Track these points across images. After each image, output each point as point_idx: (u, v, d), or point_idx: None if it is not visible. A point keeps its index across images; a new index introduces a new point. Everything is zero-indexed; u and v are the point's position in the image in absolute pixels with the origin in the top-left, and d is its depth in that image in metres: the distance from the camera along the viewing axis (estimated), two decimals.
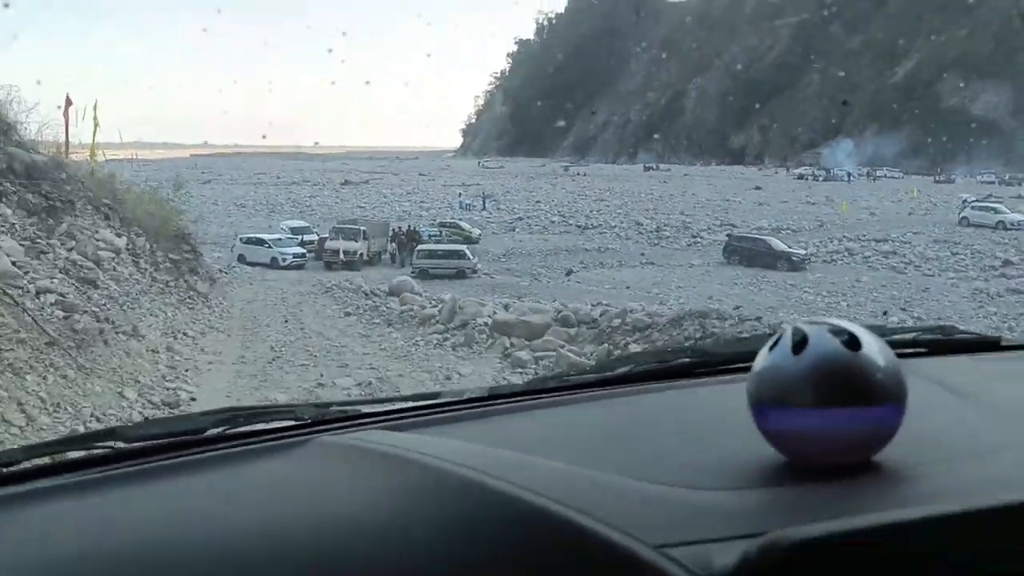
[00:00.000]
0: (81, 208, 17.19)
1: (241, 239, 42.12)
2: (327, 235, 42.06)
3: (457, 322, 18.25)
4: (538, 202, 67.63)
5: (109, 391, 8.92)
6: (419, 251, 38.87)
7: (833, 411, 1.11)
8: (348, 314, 21.50)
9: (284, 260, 39.32)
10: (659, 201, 66.81)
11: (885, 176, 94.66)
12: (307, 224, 49.94)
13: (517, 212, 60.78)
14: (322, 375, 12.71)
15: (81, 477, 1.30)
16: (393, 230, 44.76)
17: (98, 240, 15.96)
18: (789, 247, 41.41)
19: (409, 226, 46.05)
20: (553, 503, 1.01)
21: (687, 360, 1.88)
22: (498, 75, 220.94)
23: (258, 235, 43.00)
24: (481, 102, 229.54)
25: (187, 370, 11.91)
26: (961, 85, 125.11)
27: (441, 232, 46.59)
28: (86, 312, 10.58)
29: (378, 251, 42.62)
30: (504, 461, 1.19)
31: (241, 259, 39.42)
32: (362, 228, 41.20)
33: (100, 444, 1.44)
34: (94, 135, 23.58)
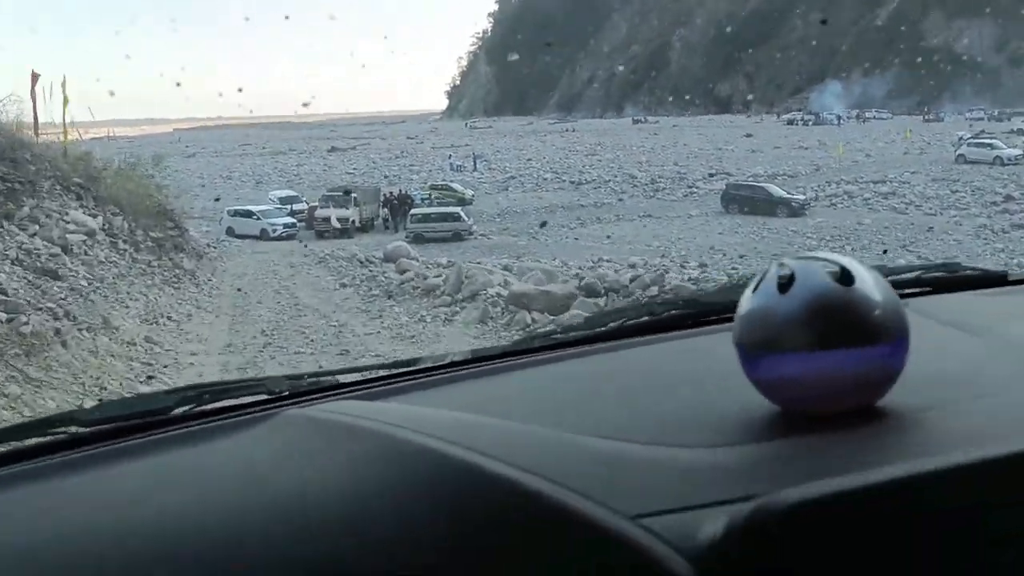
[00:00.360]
0: (48, 189, 15.89)
1: (229, 212, 40.72)
2: (317, 203, 40.69)
3: (466, 293, 16.45)
4: (529, 160, 66.21)
5: (67, 404, 7.63)
6: (413, 215, 37.52)
7: (828, 353, 1.02)
8: (344, 285, 20.23)
9: (274, 231, 37.99)
10: (651, 153, 65.44)
11: (874, 118, 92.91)
12: (295, 193, 48.48)
13: (509, 171, 59.39)
14: (320, 366, 11.37)
15: (39, 464, 1.24)
16: (384, 195, 43.32)
17: (68, 222, 14.69)
18: (788, 193, 40.11)
19: (400, 190, 44.59)
20: (519, 471, 0.95)
21: (678, 312, 1.79)
22: (480, 35, 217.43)
23: (246, 207, 41.59)
24: (465, 63, 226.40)
25: (166, 366, 10.57)
26: (944, 24, 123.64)
27: (431, 195, 45.21)
28: (40, 310, 9.25)
29: (370, 217, 41.24)
30: (470, 426, 1.13)
31: (230, 232, 38.12)
32: (353, 194, 39.76)
33: (58, 430, 1.37)
34: (64, 112, 22.13)
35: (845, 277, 1.04)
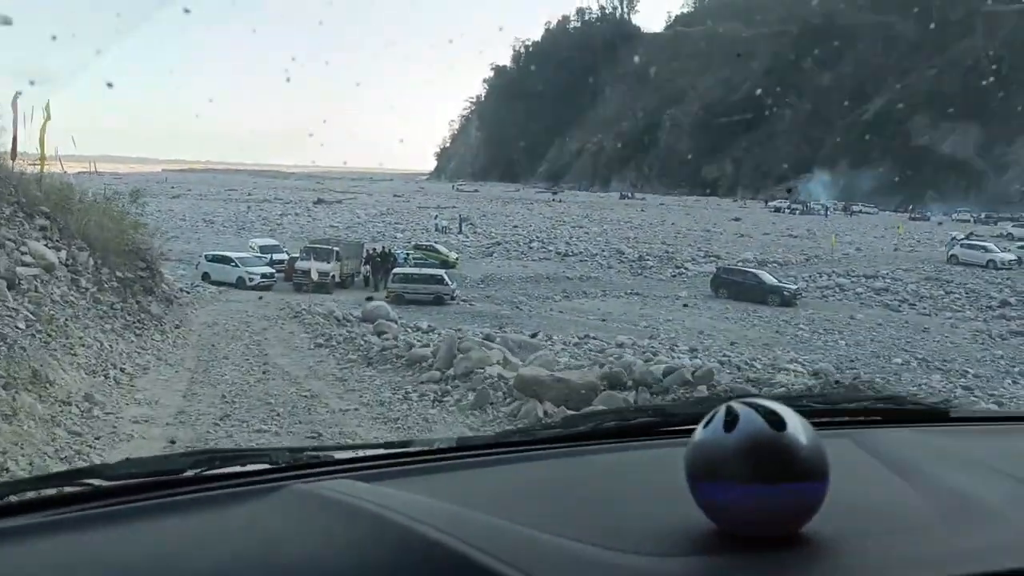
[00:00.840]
0: (9, 216, 14.49)
1: (206, 256, 39.29)
2: (298, 255, 39.35)
3: (459, 369, 14.24)
4: (515, 226, 65.33)
5: None
6: (395, 274, 36.20)
7: (758, 487, 1.18)
8: (319, 345, 18.81)
9: (251, 280, 36.55)
10: (638, 229, 64.73)
11: (860, 211, 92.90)
12: (276, 242, 47.16)
13: (494, 236, 58.39)
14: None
15: (59, 515, 1.32)
16: (367, 252, 42.06)
17: (24, 253, 13.25)
18: (780, 281, 39.18)
19: (383, 247, 43.37)
20: (505, 566, 1.08)
21: (648, 419, 1.92)
22: (473, 100, 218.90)
23: (224, 252, 40.18)
24: (456, 127, 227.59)
25: (98, 438, 8.71)
26: (930, 124, 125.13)
27: (411, 256, 43.97)
28: None
29: (351, 273, 39.91)
30: (460, 518, 1.24)
31: (206, 278, 36.72)
32: (335, 248, 38.46)
33: (79, 482, 1.46)
34: (43, 132, 20.67)
35: (778, 423, 1.21)
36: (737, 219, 76.20)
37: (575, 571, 1.10)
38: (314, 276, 33.35)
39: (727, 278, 39.18)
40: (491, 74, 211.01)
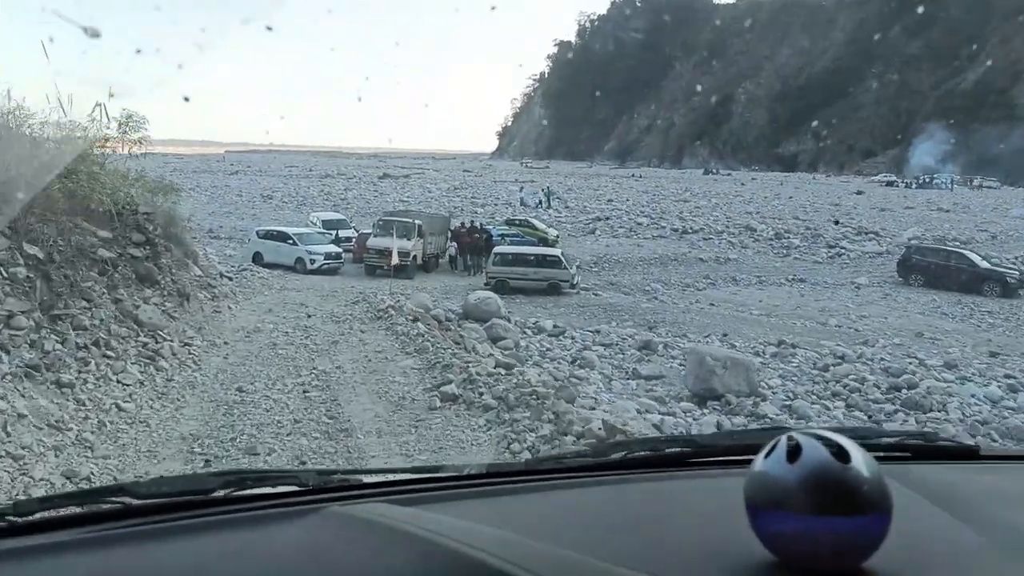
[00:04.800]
0: None
1: (258, 233, 30.99)
2: (370, 230, 30.92)
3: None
4: (610, 200, 56.24)
5: None
6: (497, 255, 27.45)
7: (824, 518, 1.15)
8: (433, 387, 10.27)
9: (313, 262, 28.26)
10: (751, 204, 55.18)
11: (982, 186, 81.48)
12: (343, 216, 38.77)
13: (590, 211, 49.41)
14: None
15: (92, 533, 1.31)
16: (453, 227, 33.40)
17: None
18: (996, 264, 29.53)
19: (473, 222, 34.59)
20: None
21: (680, 450, 1.87)
22: (537, 77, 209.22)
23: (279, 228, 31.84)
24: (519, 105, 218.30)
25: None
26: None
27: (507, 234, 35.09)
28: None
29: (435, 253, 31.34)
30: (501, 541, 1.21)
31: (257, 259, 28.45)
32: (417, 222, 29.80)
33: (112, 499, 1.44)
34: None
35: (842, 454, 1.18)
36: (860, 192, 66.28)
37: None
38: (395, 257, 24.78)
39: (922, 260, 29.63)
40: (555, 50, 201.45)
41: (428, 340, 12.89)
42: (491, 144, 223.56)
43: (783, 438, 1.22)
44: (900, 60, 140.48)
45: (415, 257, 28.65)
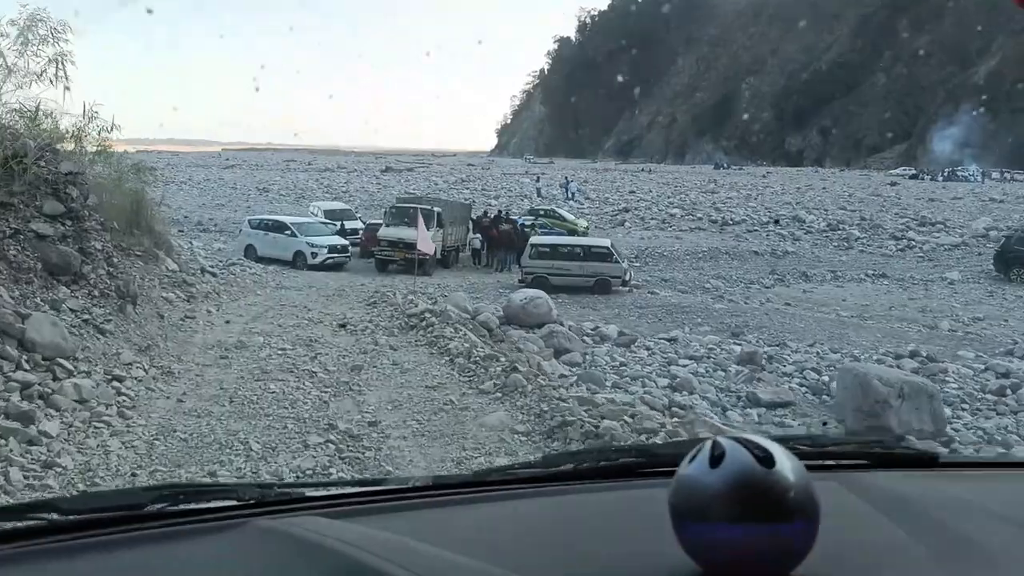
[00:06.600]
0: None
1: (251, 223, 26.37)
2: (380, 220, 26.35)
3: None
4: (632, 192, 51.65)
5: None
6: (535, 247, 22.78)
7: (746, 526, 1.08)
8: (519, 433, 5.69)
9: (315, 255, 23.71)
10: (785, 196, 50.60)
11: (1013, 179, 76.44)
12: (347, 206, 34.11)
13: (613, 203, 44.85)
14: None
15: (15, 549, 1.23)
16: (475, 216, 28.75)
17: None
18: None
19: (500, 211, 29.90)
20: None
21: (631, 460, 1.79)
22: (536, 74, 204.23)
23: (276, 217, 27.24)
24: (518, 102, 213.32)
25: None
26: None
27: (535, 224, 30.50)
28: None
29: (455, 245, 26.74)
30: (423, 557, 1.17)
31: (249, 252, 23.96)
32: (436, 209, 25.14)
33: (37, 516, 1.34)
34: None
35: (767, 459, 1.10)
36: (894, 183, 61.68)
37: None
38: (427, 246, 20.15)
39: None
40: (555, 46, 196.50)
41: (502, 365, 8.24)
42: (489, 143, 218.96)
43: (708, 442, 1.15)
44: (908, 54, 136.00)
45: (435, 249, 23.99)
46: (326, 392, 7.72)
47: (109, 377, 6.77)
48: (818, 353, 15.88)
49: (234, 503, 1.44)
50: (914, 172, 79.84)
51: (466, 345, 9.49)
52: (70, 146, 10.65)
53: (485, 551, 1.23)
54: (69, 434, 5.54)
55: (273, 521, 1.33)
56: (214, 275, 17.49)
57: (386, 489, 1.61)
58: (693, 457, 1.15)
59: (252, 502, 1.44)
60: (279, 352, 9.86)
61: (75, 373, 6.33)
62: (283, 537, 1.25)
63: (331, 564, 1.13)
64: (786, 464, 1.11)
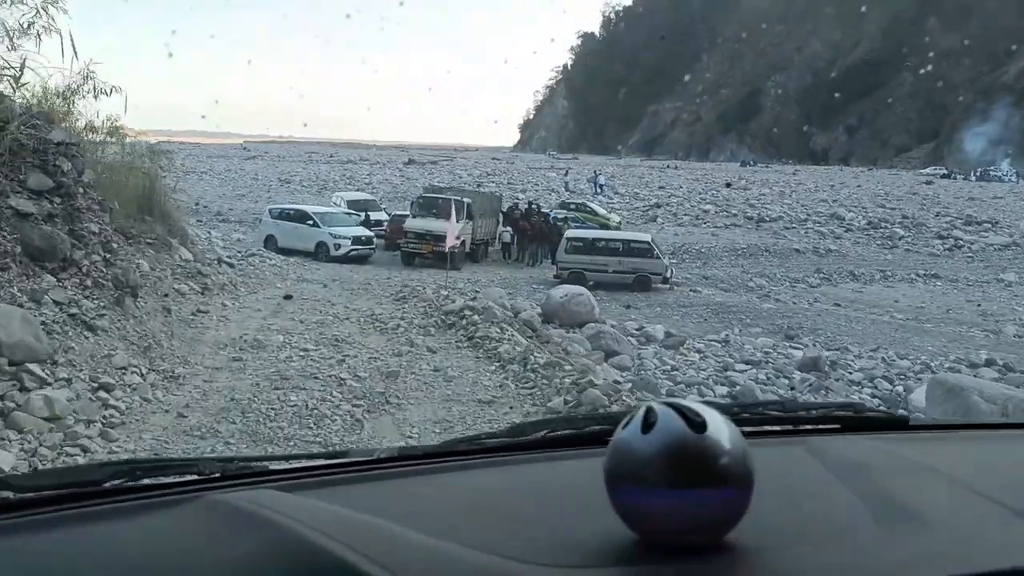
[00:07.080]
0: None
1: (271, 212, 25.15)
2: (406, 211, 25.14)
3: None
4: (661, 187, 50.21)
5: None
6: (571, 241, 21.50)
7: (677, 492, 1.07)
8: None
9: (338, 247, 22.51)
10: (818, 192, 49.02)
11: None
12: (372, 197, 32.89)
13: (644, 198, 43.45)
14: None
15: None
16: (505, 209, 27.46)
17: None
18: None
19: (531, 203, 28.56)
20: (382, 571, 1.00)
21: (599, 427, 1.73)
22: (560, 69, 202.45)
23: (298, 206, 26.05)
24: (541, 98, 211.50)
25: None
26: None
27: (568, 217, 29.20)
28: None
29: (484, 239, 25.48)
30: (363, 527, 1.15)
31: (270, 243, 22.80)
32: (466, 200, 23.88)
33: None
34: None
35: (700, 425, 1.07)
36: (930, 182, 59.98)
37: None
38: (450, 239, 18.92)
39: None
40: (578, 42, 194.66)
41: (569, 375, 6.94)
42: (512, 138, 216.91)
43: (642, 408, 1.13)
44: (936, 53, 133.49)
45: (464, 242, 22.72)
46: (358, 406, 6.48)
47: (95, 385, 5.55)
48: (884, 359, 14.51)
49: (194, 477, 1.39)
50: (946, 171, 77.77)
51: (519, 349, 8.24)
52: (72, 120, 9.43)
53: (444, 523, 1.20)
54: (28, 466, 4.31)
55: (225, 495, 1.29)
56: (231, 266, 16.33)
57: (350, 461, 1.56)
58: (627, 423, 1.12)
59: (212, 476, 1.40)
60: (301, 353, 8.63)
61: (50, 381, 5.11)
62: (230, 511, 1.21)
63: (270, 538, 1.09)
64: (722, 430, 1.08)
